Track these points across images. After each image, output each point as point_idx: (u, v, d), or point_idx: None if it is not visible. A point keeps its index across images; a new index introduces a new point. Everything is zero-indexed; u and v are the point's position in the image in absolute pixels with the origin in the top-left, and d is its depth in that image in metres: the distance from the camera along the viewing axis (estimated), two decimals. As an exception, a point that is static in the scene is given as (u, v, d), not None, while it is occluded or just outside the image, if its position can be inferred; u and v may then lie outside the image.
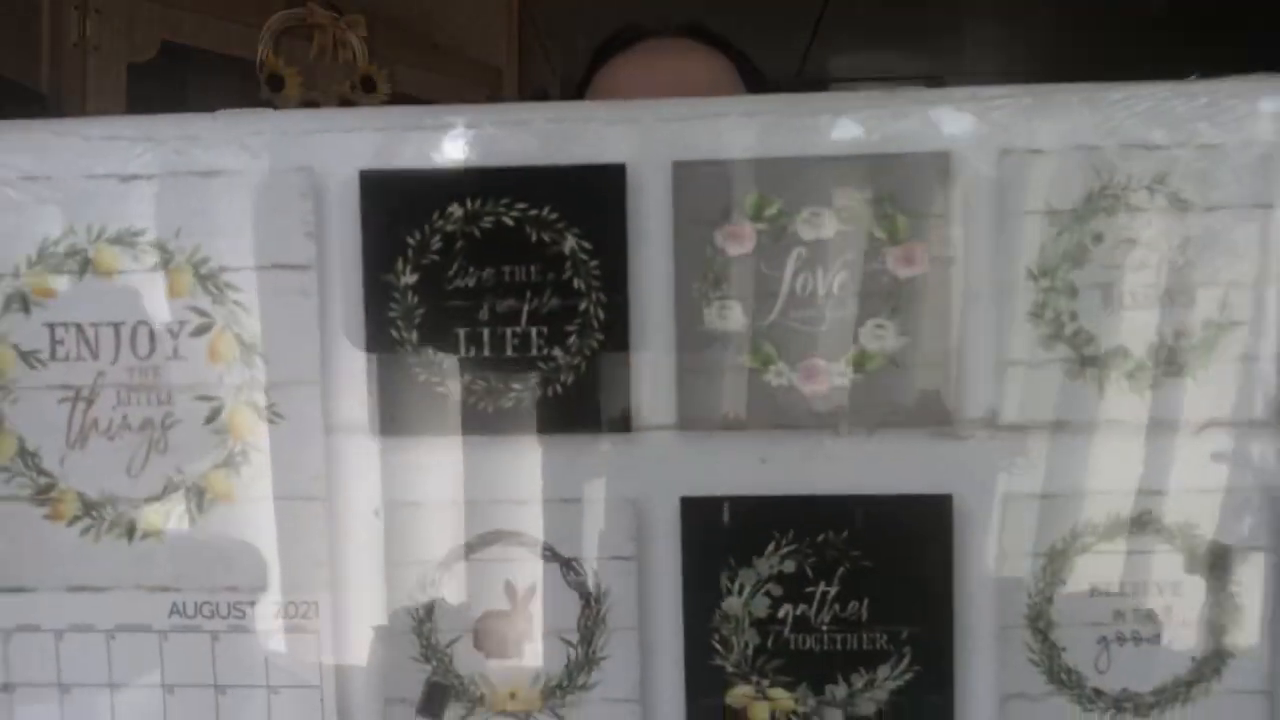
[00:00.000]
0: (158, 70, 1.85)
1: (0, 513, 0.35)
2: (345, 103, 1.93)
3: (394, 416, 0.38)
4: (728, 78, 0.83)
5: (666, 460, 0.40)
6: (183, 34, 1.81)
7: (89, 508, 0.34)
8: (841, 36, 3.05)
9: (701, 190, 0.43)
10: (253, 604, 0.35)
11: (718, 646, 0.39)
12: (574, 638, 0.37)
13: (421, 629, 0.38)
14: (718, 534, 0.39)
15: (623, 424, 0.39)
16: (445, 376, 0.40)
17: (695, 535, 0.39)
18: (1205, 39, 2.93)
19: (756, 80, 0.87)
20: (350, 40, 1.93)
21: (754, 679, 0.39)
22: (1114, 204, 0.44)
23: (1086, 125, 0.45)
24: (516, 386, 0.40)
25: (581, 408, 0.39)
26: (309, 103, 1.90)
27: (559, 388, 0.39)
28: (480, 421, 0.39)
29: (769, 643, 0.38)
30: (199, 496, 0.35)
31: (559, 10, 2.85)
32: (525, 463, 0.37)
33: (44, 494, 0.34)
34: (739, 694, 0.38)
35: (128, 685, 0.33)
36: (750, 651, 0.39)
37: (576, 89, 0.90)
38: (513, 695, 0.36)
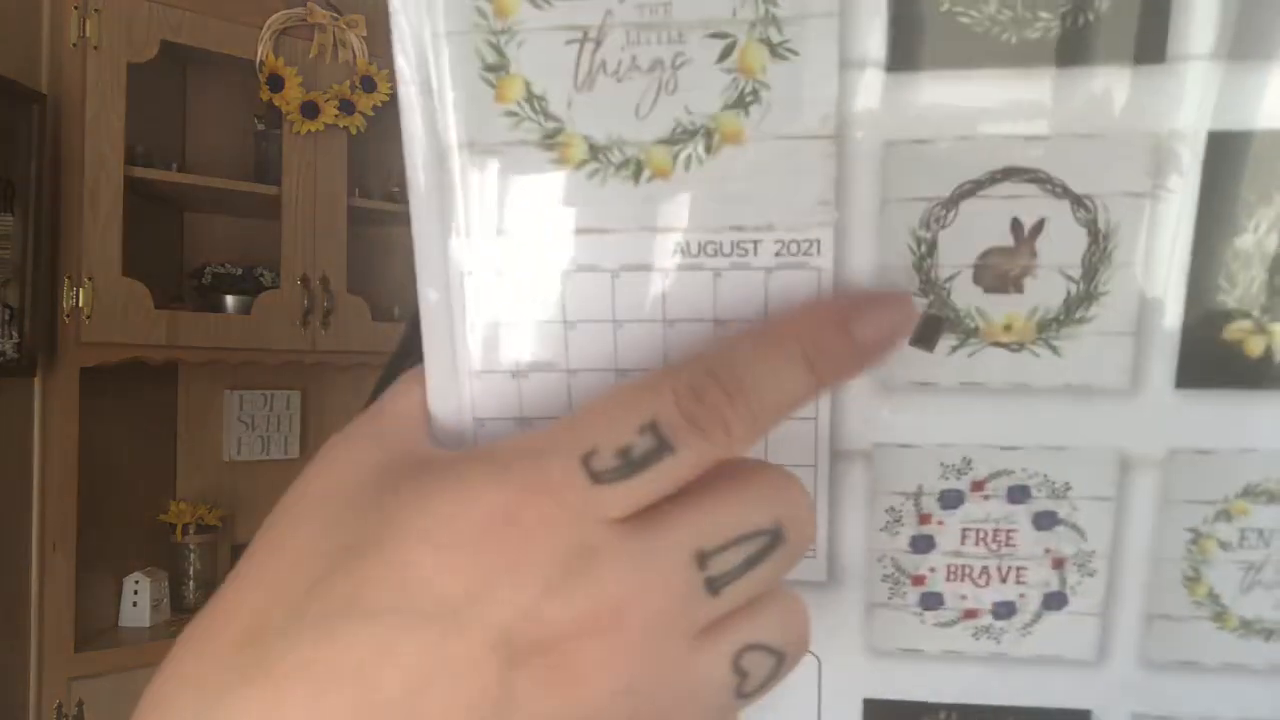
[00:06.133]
0: (158, 70, 1.85)
1: (508, 157, 0.34)
2: (345, 101, 1.94)
3: (908, 50, 0.33)
4: None
5: (1200, 93, 0.36)
6: (183, 34, 1.82)
7: (596, 151, 0.33)
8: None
9: None
10: (756, 243, 0.33)
11: (1223, 283, 0.37)
12: (1076, 273, 0.36)
13: (921, 265, 0.36)
14: (1242, 169, 0.36)
15: (1157, 54, 0.35)
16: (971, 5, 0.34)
17: (1218, 170, 0.36)
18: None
19: None
20: (350, 40, 1.94)
21: (1255, 314, 0.37)
22: None
23: None
24: (1045, 15, 0.36)
25: (1113, 37, 0.35)
26: (309, 101, 1.91)
27: (1090, 16, 0.35)
28: (1002, 54, 0.35)
29: (1277, 279, 0.37)
30: (707, 138, 0.34)
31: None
32: (1045, 98, 0.34)
33: (551, 138, 0.33)
34: (1236, 328, 0.37)
35: (630, 321, 0.31)
36: (1256, 288, 0.37)
37: None
38: (1007, 327, 0.35)
